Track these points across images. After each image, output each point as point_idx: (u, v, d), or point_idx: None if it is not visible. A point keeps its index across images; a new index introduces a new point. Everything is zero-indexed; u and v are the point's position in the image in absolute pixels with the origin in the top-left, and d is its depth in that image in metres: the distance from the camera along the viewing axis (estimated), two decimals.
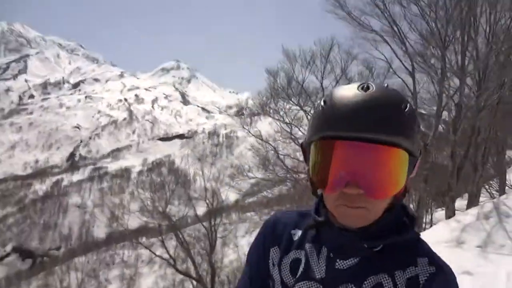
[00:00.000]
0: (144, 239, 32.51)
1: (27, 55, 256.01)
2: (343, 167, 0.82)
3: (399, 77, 13.90)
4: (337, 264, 0.91)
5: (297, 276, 0.97)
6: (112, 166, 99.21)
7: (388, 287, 0.86)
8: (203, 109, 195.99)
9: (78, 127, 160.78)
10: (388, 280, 0.86)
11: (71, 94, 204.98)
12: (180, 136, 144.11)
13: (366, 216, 0.84)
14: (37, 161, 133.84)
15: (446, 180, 11.81)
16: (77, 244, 60.82)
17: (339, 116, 0.81)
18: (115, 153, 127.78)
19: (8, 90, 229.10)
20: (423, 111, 16.35)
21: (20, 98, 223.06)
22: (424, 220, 18.89)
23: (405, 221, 0.93)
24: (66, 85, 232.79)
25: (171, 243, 21.00)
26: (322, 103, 0.86)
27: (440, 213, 18.83)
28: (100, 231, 60.74)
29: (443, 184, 14.19)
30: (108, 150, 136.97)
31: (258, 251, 1.08)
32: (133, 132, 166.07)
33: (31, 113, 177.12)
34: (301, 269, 0.97)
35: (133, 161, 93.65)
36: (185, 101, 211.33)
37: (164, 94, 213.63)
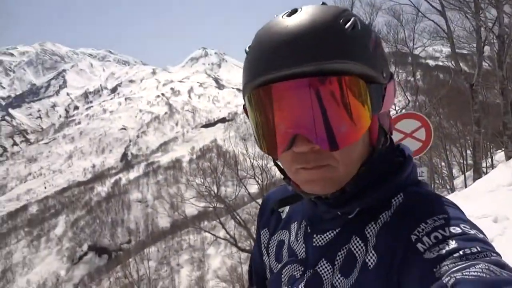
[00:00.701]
0: (205, 223, 33.97)
1: (64, 70, 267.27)
2: (282, 119, 0.66)
3: (430, 19, 13.49)
4: (314, 240, 0.78)
5: (281, 261, 0.86)
6: (163, 159, 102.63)
7: (359, 250, 0.71)
8: (238, 90, 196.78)
9: (124, 128, 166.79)
10: (358, 242, 0.72)
11: (111, 99, 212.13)
12: (222, 120, 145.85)
13: (333, 176, 0.68)
14: (94, 166, 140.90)
15: (500, 119, 11.20)
16: (145, 236, 64.20)
17: (259, 56, 0.66)
18: (163, 146, 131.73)
19: (54, 105, 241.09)
20: (464, 51, 15.82)
21: (66, 111, 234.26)
22: (484, 165, 18.39)
23: (397, 162, 0.75)
24: (105, 91, 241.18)
25: (232, 223, 21.87)
26: (246, 49, 0.72)
27: (500, 154, 18.24)
28: (163, 221, 63.51)
29: (498, 124, 13.76)
30: (156, 145, 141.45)
31: (257, 236, 1.00)
32: (176, 124, 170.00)
33: (79, 123, 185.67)
34: (284, 252, 0.86)
35: (181, 152, 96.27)
36: (219, 86, 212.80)
37: (198, 82, 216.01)
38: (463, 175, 20.62)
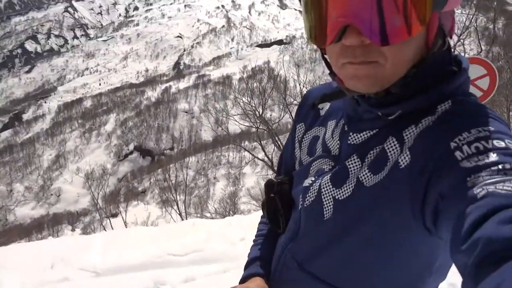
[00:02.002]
0: (246, 143, 34.07)
1: None
2: (334, 5, 0.63)
3: None
4: (350, 138, 0.78)
5: (313, 156, 0.88)
6: (215, 73, 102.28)
7: (393, 151, 0.70)
8: (300, 12, 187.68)
9: (180, 36, 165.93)
10: (393, 142, 0.70)
11: (171, 4, 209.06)
12: (279, 42, 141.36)
13: (379, 74, 0.65)
14: (147, 70, 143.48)
15: None
16: (187, 146, 66.20)
17: None
18: (216, 60, 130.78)
19: (115, 3, 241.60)
20: None
21: (126, 11, 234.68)
22: None
23: (450, 72, 0.71)
24: None
25: (272, 147, 21.68)
26: None
27: None
28: (206, 135, 64.85)
29: None
30: (209, 58, 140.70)
31: (292, 128, 1.00)
32: (232, 39, 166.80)
33: (137, 24, 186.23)
34: (318, 147, 0.88)
35: (233, 68, 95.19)
36: (282, 5, 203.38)
37: None
38: None
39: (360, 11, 0.61)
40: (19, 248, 4.97)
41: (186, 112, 76.92)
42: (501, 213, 0.48)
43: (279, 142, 20.43)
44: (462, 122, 0.63)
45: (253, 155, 23.90)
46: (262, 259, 1.00)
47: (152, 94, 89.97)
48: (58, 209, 53.55)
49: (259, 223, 1.12)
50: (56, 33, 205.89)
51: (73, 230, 34.13)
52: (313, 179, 0.84)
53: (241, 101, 23.70)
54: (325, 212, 0.78)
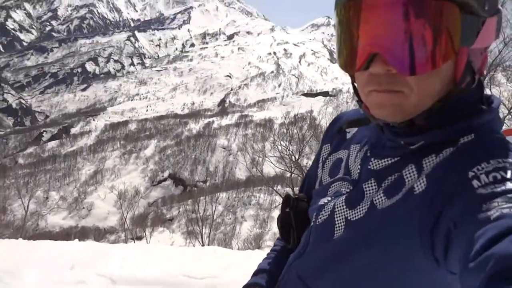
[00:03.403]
0: (279, 187, 33.85)
1: (191, 7, 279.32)
2: (364, 33, 0.65)
3: None
4: (370, 164, 0.79)
5: (334, 177, 0.88)
6: (257, 115, 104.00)
7: (410, 177, 0.70)
8: None
9: (229, 76, 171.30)
10: (412, 169, 0.70)
11: (225, 45, 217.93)
12: (324, 94, 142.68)
13: (403, 104, 0.66)
14: (193, 103, 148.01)
15: None
16: (220, 181, 66.52)
17: None
18: (261, 103, 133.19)
19: (173, 38, 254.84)
20: None
21: (183, 46, 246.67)
22: None
23: (478, 109, 0.70)
24: (222, 36, 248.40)
25: None
26: None
27: None
28: (241, 173, 65.06)
29: None
30: (254, 100, 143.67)
31: (319, 149, 1.01)
32: (279, 85, 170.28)
33: (191, 60, 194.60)
34: (340, 169, 0.88)
35: (276, 113, 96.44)
36: (332, 59, 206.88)
37: (312, 50, 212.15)
38: None
39: (388, 41, 0.62)
40: (44, 245, 5.08)
41: (224, 148, 77.96)
42: None
43: None
44: (482, 153, 0.63)
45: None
46: (268, 272, 1.01)
47: (194, 126, 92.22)
48: (87, 223, 54.60)
49: (276, 239, 1.12)
50: (116, 58, 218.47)
51: None
52: (329, 198, 0.85)
53: (280, 144, 23.85)
54: (335, 231, 0.79)
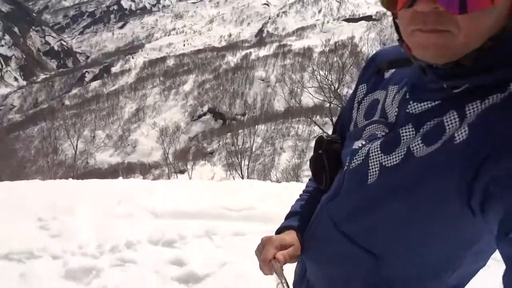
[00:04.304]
0: (317, 118, 33.65)
1: None
2: None
3: None
4: (409, 107, 0.74)
5: (370, 119, 0.86)
6: (296, 44, 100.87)
7: (451, 124, 0.66)
8: None
9: (267, 4, 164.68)
10: (453, 116, 0.66)
11: None
12: (367, 18, 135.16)
13: (449, 44, 0.60)
14: (230, 35, 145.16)
15: None
16: (259, 114, 66.87)
17: None
18: (300, 31, 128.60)
19: None
20: None
21: None
22: None
23: None
24: None
25: None
26: None
27: None
28: (279, 105, 64.85)
29: None
30: (293, 28, 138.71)
31: (355, 88, 0.99)
32: (319, 11, 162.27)
33: None
34: (376, 111, 0.85)
35: (316, 41, 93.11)
36: None
37: None
38: None
39: None
40: (94, 183, 5.47)
41: (262, 80, 77.26)
42: None
43: None
44: None
45: (323, 129, 23.65)
46: (301, 214, 1.01)
47: (232, 59, 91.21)
48: (133, 159, 57.29)
49: (309, 180, 1.12)
50: None
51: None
52: (363, 142, 0.83)
53: (319, 74, 23.36)
54: (369, 177, 0.78)
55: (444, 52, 0.62)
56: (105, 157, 58.28)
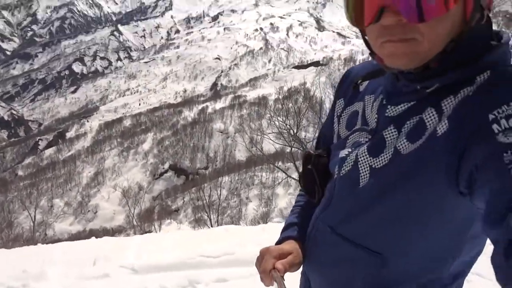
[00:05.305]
0: (280, 163, 34.10)
1: None
2: None
3: None
4: (387, 111, 0.80)
5: (352, 129, 0.90)
6: (251, 94, 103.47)
7: (431, 120, 0.71)
8: (339, 34, 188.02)
9: (219, 58, 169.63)
10: (432, 113, 0.71)
11: (211, 27, 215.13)
12: (315, 64, 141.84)
13: (417, 50, 0.67)
14: (185, 91, 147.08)
15: None
16: (222, 165, 66.81)
17: None
18: (253, 81, 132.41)
19: (158, 27, 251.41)
20: None
21: (168, 34, 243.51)
22: None
23: (490, 45, 0.70)
24: (206, 18, 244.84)
25: None
26: None
27: None
28: (241, 154, 65.28)
29: None
30: (246, 79, 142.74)
31: (332, 104, 1.03)
32: (269, 61, 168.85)
33: (178, 47, 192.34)
34: (357, 121, 0.90)
35: (269, 89, 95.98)
36: (320, 27, 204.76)
37: (298, 21, 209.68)
38: None
39: None
40: (64, 246, 5.27)
41: (221, 132, 77.94)
42: None
43: None
44: (502, 93, 0.62)
45: (286, 173, 23.93)
46: (297, 225, 1.03)
47: (189, 114, 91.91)
48: (95, 225, 54.96)
49: (297, 196, 1.15)
50: (102, 55, 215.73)
51: None
52: (349, 150, 0.86)
53: (276, 120, 23.99)
54: (361, 180, 0.81)
55: (413, 58, 0.68)
56: (64, 226, 55.56)
